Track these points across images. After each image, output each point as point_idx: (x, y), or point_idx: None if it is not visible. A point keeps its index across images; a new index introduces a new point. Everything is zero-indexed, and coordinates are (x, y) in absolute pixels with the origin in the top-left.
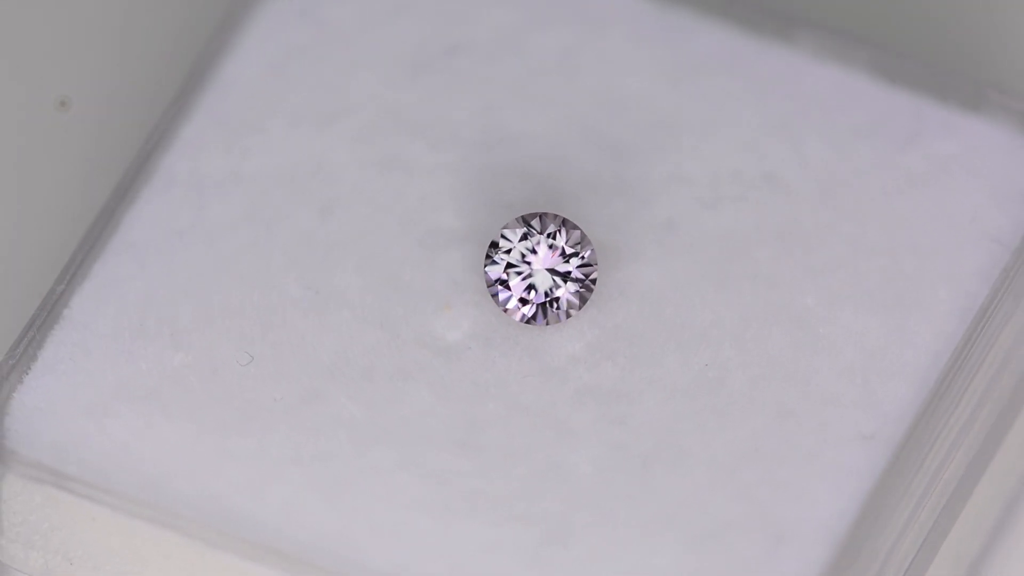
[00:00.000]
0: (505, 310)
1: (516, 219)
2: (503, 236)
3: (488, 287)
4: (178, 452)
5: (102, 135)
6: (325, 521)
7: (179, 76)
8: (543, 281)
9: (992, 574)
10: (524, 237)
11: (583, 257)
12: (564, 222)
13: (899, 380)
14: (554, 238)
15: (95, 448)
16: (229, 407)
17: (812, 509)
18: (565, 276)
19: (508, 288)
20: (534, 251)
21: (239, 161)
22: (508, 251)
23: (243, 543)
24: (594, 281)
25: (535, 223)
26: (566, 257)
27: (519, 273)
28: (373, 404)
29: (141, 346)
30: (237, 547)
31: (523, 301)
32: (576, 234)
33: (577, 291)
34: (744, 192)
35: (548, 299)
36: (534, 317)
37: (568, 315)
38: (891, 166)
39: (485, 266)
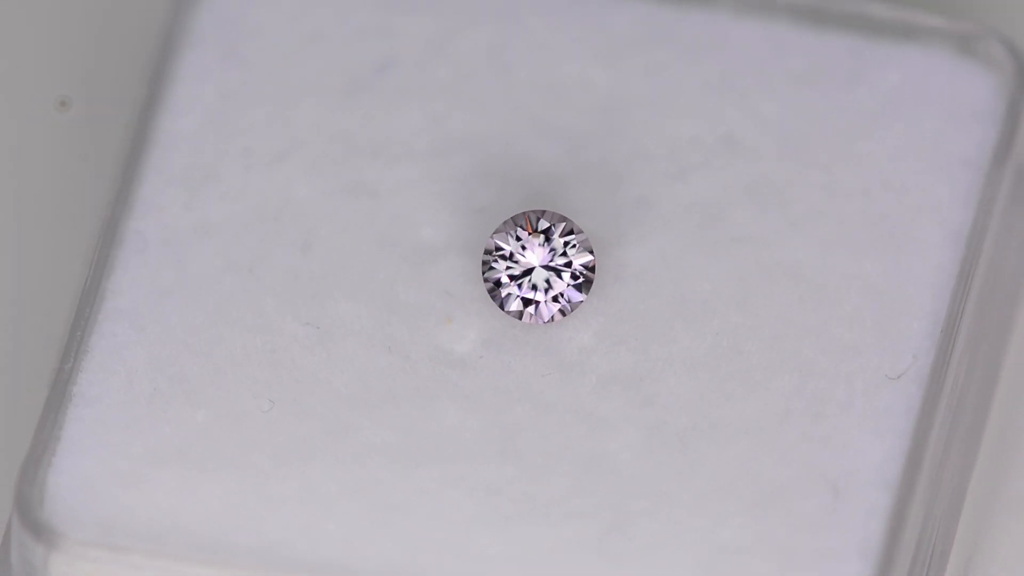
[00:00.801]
0: (510, 313)
1: (505, 222)
2: (496, 241)
3: (490, 293)
4: (224, 506)
5: (102, 135)
6: (387, 550)
7: None
8: (542, 279)
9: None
10: (517, 238)
11: (578, 248)
12: (552, 216)
13: (909, 317)
14: (546, 234)
15: (141, 517)
16: (263, 454)
17: (860, 458)
18: (561, 270)
19: (509, 291)
20: (524, 250)
21: (204, 212)
22: (503, 255)
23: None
24: (593, 270)
25: (524, 222)
26: (560, 251)
27: (516, 275)
28: (403, 427)
29: (159, 409)
30: None
31: (526, 302)
32: (568, 226)
33: (577, 283)
34: (707, 158)
35: (549, 296)
36: (539, 316)
37: (572, 309)
38: (841, 107)
39: (484, 273)
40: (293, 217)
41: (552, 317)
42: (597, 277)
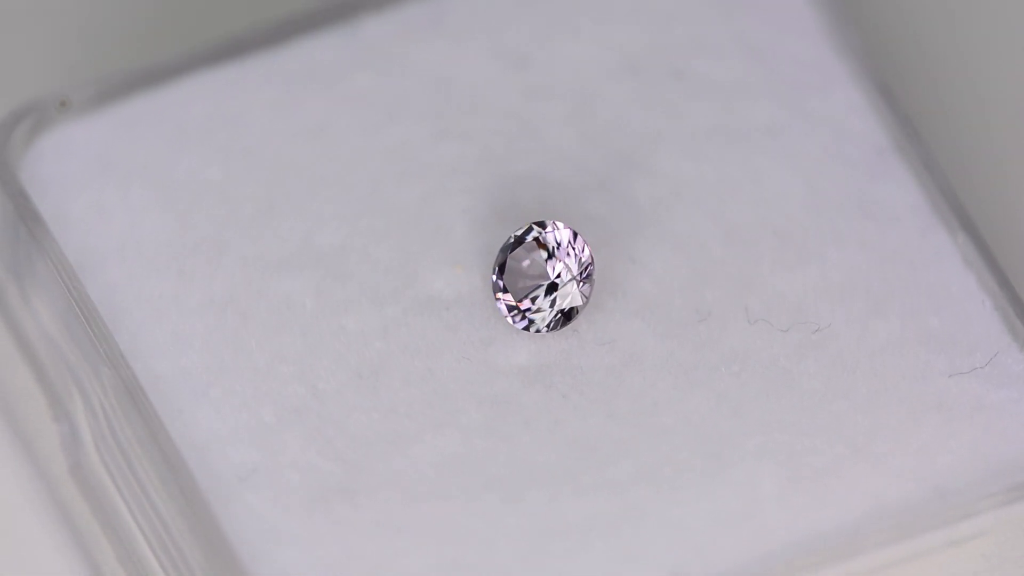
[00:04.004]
0: (493, 292)
1: (552, 221)
2: (527, 229)
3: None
4: (136, 249)
5: None
6: (182, 371)
7: None
8: (537, 287)
9: None
10: (548, 244)
11: (578, 286)
12: (586, 247)
13: (738, 540)
14: (568, 256)
15: (77, 202)
16: (211, 239)
17: None
18: (554, 295)
19: (512, 279)
20: (549, 258)
21: (406, 73)
22: (514, 244)
23: (112, 353)
24: (574, 314)
25: (561, 233)
26: (567, 280)
27: (531, 273)
28: (322, 305)
29: (198, 149)
30: (105, 349)
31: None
32: (588, 266)
33: (554, 314)
34: (790, 327)
35: (532, 306)
36: (515, 316)
37: (538, 330)
38: (935, 386)
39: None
40: (439, 102)
41: (526, 327)
42: (602, 333)
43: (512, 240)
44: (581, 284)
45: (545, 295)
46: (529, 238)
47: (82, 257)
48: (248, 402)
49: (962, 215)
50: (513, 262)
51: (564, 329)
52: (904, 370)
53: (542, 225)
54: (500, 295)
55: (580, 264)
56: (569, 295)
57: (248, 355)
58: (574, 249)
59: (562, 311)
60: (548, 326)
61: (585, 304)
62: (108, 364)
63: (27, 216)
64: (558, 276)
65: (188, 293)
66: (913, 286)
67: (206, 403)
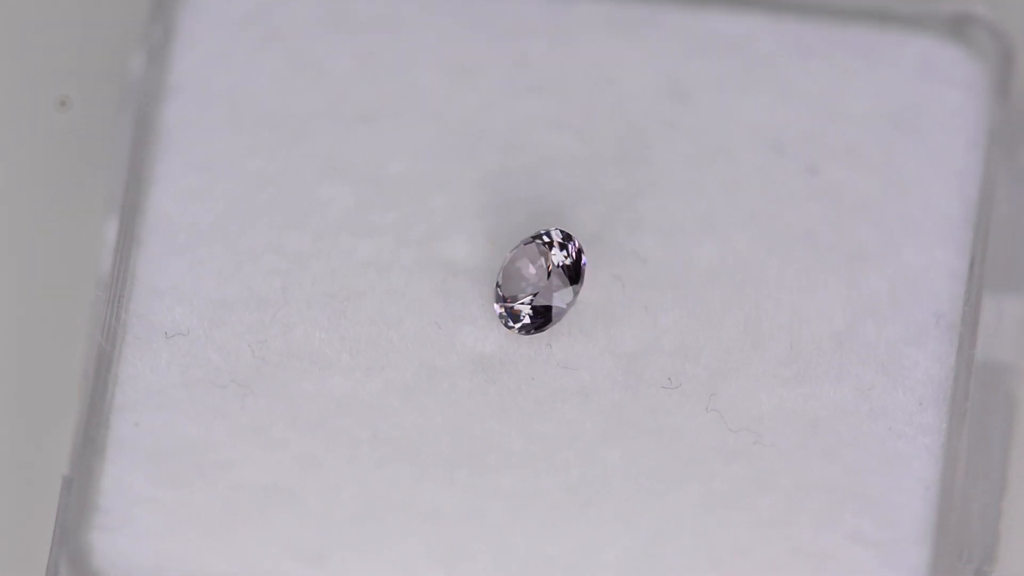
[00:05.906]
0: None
1: (573, 235)
2: (547, 231)
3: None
4: (226, 100)
5: (102, 135)
6: (188, 221)
7: None
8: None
9: None
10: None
11: (559, 302)
12: (581, 272)
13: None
14: (571, 272)
15: (210, 40)
16: (297, 121)
17: None
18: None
19: (512, 273)
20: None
21: (576, 60)
22: (529, 241)
23: (138, 178)
24: (545, 326)
25: (574, 248)
26: (550, 292)
27: (529, 274)
28: (349, 223)
29: (345, 41)
30: (137, 172)
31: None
32: (576, 288)
33: (527, 320)
34: (740, 431)
35: (516, 305)
36: (500, 308)
37: (518, 330)
38: (826, 540)
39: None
40: (586, 98)
41: (504, 321)
42: (564, 350)
43: (530, 237)
44: (564, 302)
45: (532, 299)
46: (549, 241)
47: (178, 85)
48: (222, 273)
49: (961, 405)
50: (519, 257)
51: (540, 339)
52: (812, 515)
53: (564, 232)
54: (498, 284)
55: (571, 282)
56: (549, 307)
57: (253, 233)
58: (578, 267)
59: (536, 321)
60: (521, 329)
61: (554, 322)
62: (125, 187)
63: (153, 38)
64: (547, 286)
65: (243, 159)
66: (876, 448)
67: (187, 257)
